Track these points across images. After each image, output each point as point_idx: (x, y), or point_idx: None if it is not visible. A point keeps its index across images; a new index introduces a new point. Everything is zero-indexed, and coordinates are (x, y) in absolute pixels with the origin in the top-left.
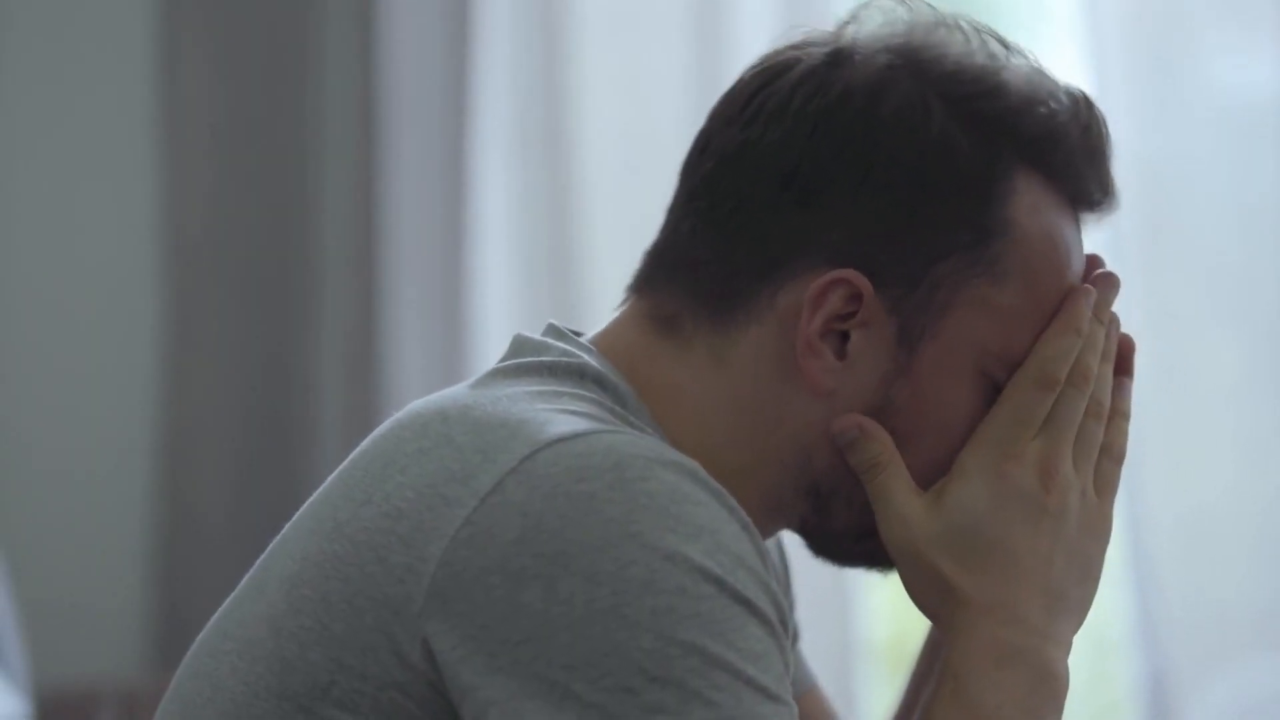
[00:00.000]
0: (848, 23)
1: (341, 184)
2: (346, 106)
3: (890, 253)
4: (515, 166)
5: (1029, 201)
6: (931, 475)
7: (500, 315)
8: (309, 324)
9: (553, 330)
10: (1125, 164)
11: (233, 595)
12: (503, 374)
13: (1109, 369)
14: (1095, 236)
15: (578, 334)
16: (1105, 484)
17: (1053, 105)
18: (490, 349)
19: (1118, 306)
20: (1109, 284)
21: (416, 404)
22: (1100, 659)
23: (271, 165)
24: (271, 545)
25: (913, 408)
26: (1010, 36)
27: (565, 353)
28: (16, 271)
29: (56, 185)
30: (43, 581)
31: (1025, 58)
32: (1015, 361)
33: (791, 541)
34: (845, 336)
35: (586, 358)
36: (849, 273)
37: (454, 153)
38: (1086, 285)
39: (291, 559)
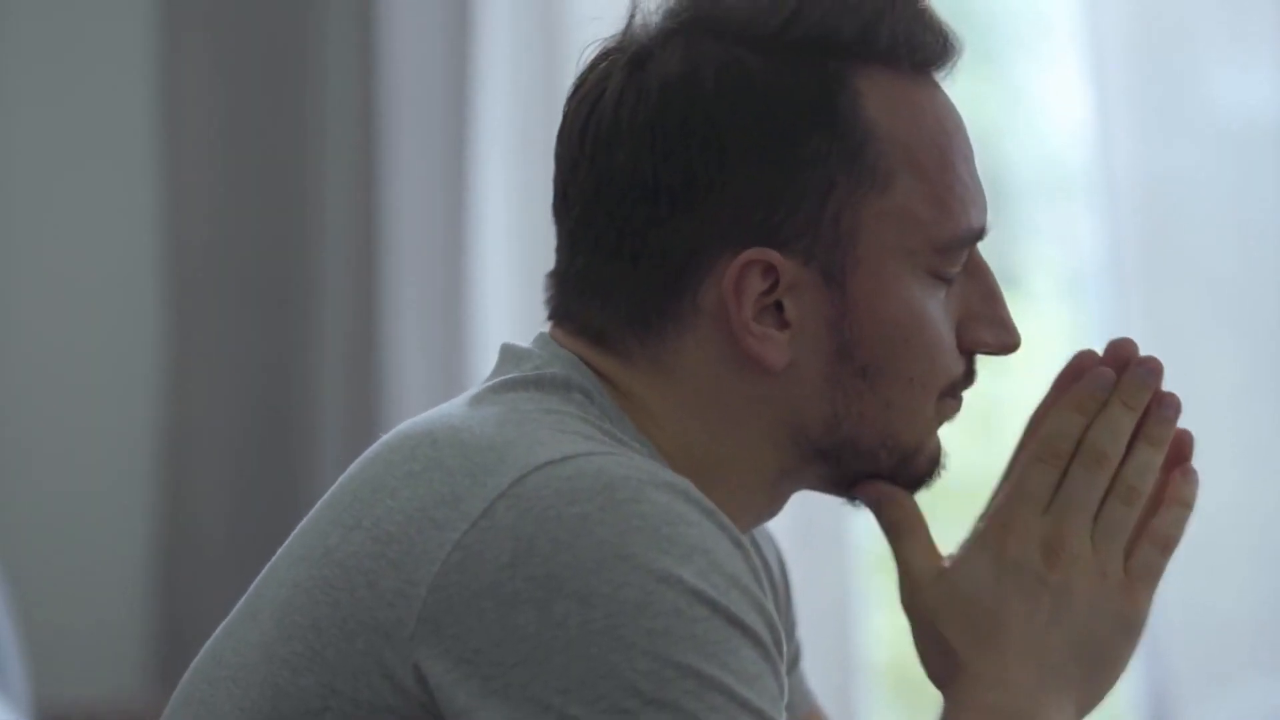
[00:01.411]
0: (631, 16)
1: (342, 189)
2: (347, 110)
3: (779, 212)
4: (516, 170)
5: (876, 96)
6: (916, 392)
7: (501, 320)
8: (310, 331)
9: (541, 339)
10: (1127, 180)
11: (226, 621)
12: (491, 391)
13: (1152, 453)
14: (1100, 251)
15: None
16: (1143, 570)
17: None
18: (491, 355)
19: (1119, 318)
20: (1145, 370)
21: (404, 426)
22: None
23: (272, 170)
24: (264, 571)
25: (873, 336)
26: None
27: (548, 364)
28: (15, 279)
29: (56, 190)
30: (43, 601)
31: None
32: (946, 244)
33: (792, 561)
34: (779, 306)
35: (570, 370)
36: (752, 252)
37: (454, 157)
38: (1102, 369)
39: (282, 585)
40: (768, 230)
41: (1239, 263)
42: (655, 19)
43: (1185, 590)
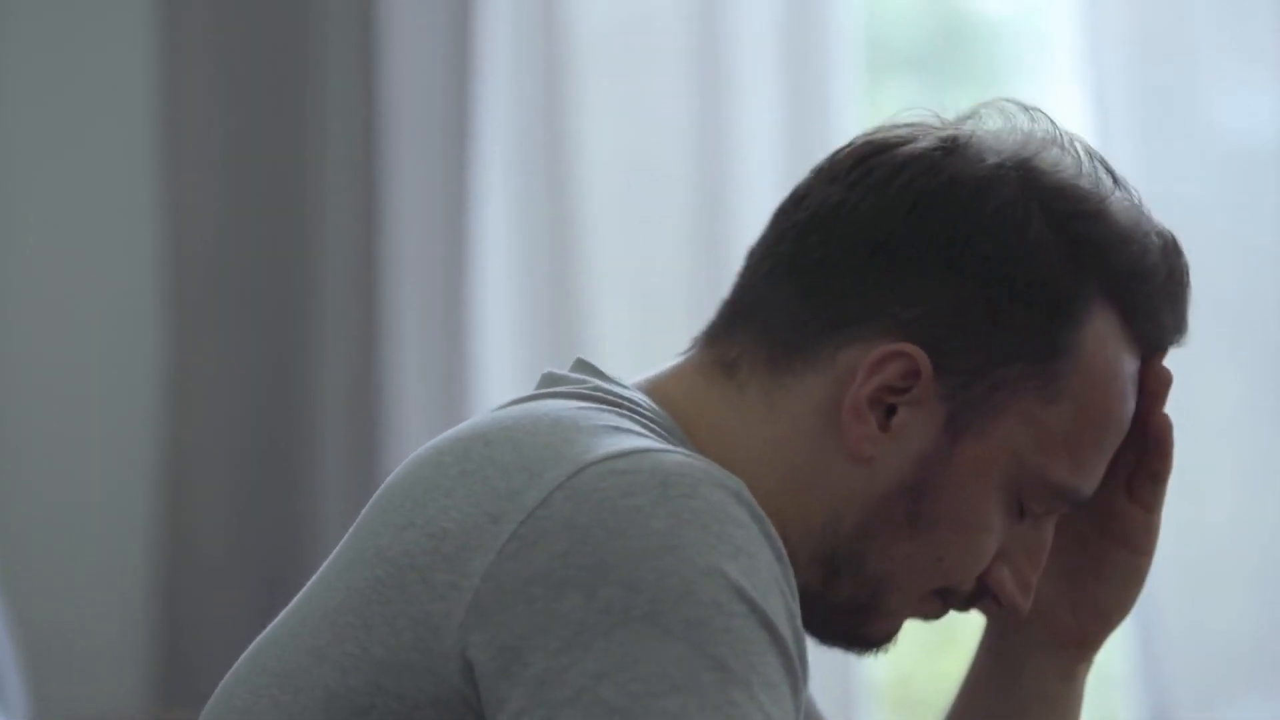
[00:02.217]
0: (968, 117)
1: (343, 196)
2: (348, 128)
3: (960, 342)
4: (516, 190)
5: (1099, 332)
6: (933, 570)
7: (502, 337)
8: (310, 340)
9: (582, 365)
10: None
11: (265, 633)
12: (538, 398)
13: None
14: None
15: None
16: None
17: (1146, 245)
18: (492, 372)
19: None
20: None
21: (450, 432)
22: (1102, 695)
23: (272, 178)
24: (310, 582)
25: (941, 498)
26: (1118, 172)
27: (597, 388)
28: (15, 288)
29: (56, 198)
30: (43, 613)
31: (1129, 193)
32: (1046, 484)
33: None
34: (893, 410)
35: (625, 391)
36: (913, 348)
37: (456, 164)
38: None
39: (334, 590)
40: (939, 347)
41: (1239, 283)
42: (989, 135)
43: (1184, 608)
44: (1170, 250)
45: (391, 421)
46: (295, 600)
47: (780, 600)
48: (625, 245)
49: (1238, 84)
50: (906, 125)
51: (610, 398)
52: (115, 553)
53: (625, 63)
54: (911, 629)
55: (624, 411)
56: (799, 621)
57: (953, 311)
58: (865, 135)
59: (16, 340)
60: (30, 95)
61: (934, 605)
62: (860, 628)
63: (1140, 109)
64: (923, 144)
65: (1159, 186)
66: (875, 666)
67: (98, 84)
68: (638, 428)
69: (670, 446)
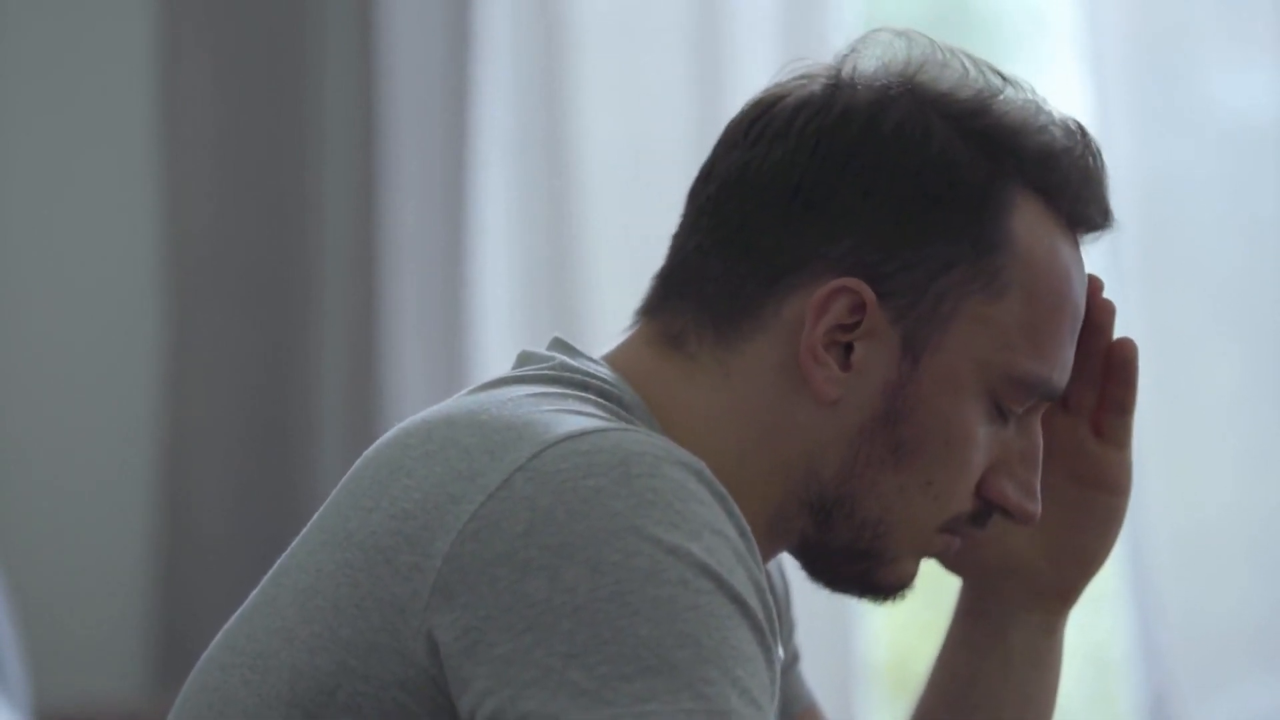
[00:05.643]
0: (847, 55)
1: (342, 193)
2: (347, 114)
3: (894, 263)
4: (515, 174)
5: (1027, 218)
6: (925, 497)
7: (500, 323)
8: (309, 333)
9: (558, 344)
10: (1125, 179)
11: (239, 612)
12: (505, 381)
13: None
14: (1097, 249)
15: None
16: None
17: (1050, 130)
18: (491, 357)
19: (1117, 316)
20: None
21: (420, 414)
22: (1101, 679)
23: (272, 172)
24: (281, 560)
25: (917, 419)
26: (1010, 70)
27: (567, 366)
28: (15, 281)
29: (56, 192)
30: (44, 600)
31: (1022, 88)
32: (1017, 380)
33: (792, 565)
34: (850, 348)
35: (593, 368)
36: (852, 281)
37: (454, 160)
38: None
39: (304, 572)
40: (876, 274)
41: (1238, 261)
42: (870, 64)
43: (1184, 594)
44: (1077, 133)
45: (390, 405)
46: (266, 579)
47: (745, 573)
48: (625, 231)
49: (1236, 63)
50: (789, 79)
51: (577, 377)
52: (115, 537)
53: (624, 46)
54: (907, 609)
55: (587, 394)
56: (767, 595)
57: (879, 236)
58: (754, 98)
59: (17, 325)
60: (31, 89)
61: (945, 540)
62: (869, 575)
63: (1139, 88)
64: (809, 88)
65: (1158, 165)
66: (873, 647)
67: (98, 75)
68: (595, 409)
69: (629, 425)
